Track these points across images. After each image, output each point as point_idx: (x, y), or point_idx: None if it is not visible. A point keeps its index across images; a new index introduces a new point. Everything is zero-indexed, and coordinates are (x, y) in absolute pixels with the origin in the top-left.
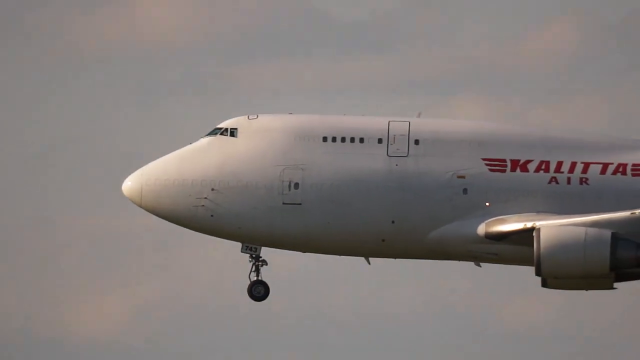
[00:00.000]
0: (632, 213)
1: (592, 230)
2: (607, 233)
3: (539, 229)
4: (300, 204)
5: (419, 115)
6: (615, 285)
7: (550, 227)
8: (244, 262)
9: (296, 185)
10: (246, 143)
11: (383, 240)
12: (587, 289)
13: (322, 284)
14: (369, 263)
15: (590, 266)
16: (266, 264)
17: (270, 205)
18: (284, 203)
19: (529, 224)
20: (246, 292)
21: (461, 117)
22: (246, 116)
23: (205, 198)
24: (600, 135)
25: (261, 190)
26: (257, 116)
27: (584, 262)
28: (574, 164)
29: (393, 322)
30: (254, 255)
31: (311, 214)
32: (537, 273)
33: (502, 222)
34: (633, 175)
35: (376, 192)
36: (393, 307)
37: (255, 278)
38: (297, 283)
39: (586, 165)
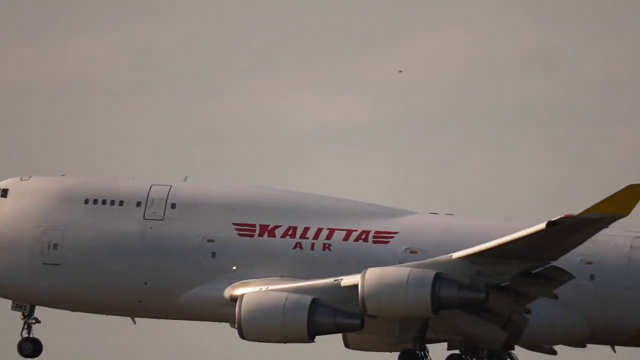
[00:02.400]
0: (335, 280)
1: (292, 296)
2: (308, 299)
3: (242, 295)
4: (59, 264)
5: (185, 179)
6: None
7: (253, 293)
8: None
9: (55, 245)
10: (14, 203)
11: (139, 301)
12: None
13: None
14: (135, 322)
15: (289, 331)
16: (39, 322)
17: (32, 265)
18: (44, 263)
19: (264, 288)
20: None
21: None
22: (19, 177)
23: None
24: (351, 203)
25: (24, 250)
26: (30, 177)
27: (282, 327)
28: (319, 230)
29: None
30: (25, 314)
31: (69, 274)
32: (240, 336)
33: (245, 285)
34: (374, 242)
35: (130, 254)
36: None
37: (26, 335)
38: (73, 340)
39: (331, 232)
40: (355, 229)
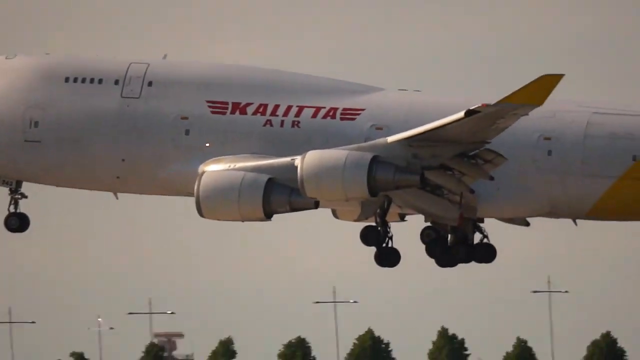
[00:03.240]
0: (292, 159)
1: (249, 175)
2: (264, 178)
3: (202, 174)
4: (39, 141)
5: (164, 57)
6: None
7: (212, 172)
8: None
9: (36, 123)
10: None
11: (118, 177)
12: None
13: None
14: (117, 197)
15: (245, 210)
16: (25, 197)
17: (13, 142)
18: (25, 140)
19: (232, 166)
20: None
21: None
22: (5, 56)
23: None
24: (322, 80)
25: (6, 128)
26: (15, 56)
27: (238, 206)
28: (289, 108)
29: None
30: (11, 189)
31: (49, 151)
32: (200, 214)
33: (217, 162)
34: (342, 119)
35: (107, 132)
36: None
37: (12, 210)
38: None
39: (300, 109)
40: (324, 106)
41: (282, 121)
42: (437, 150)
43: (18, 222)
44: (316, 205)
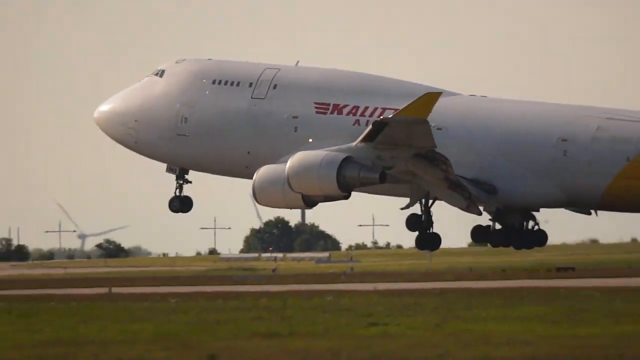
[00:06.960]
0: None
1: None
2: None
3: (259, 169)
4: (187, 135)
5: (296, 64)
6: None
7: (267, 167)
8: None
9: (186, 119)
10: (165, 83)
11: (246, 167)
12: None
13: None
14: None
15: (289, 200)
16: (189, 183)
17: (169, 136)
18: (177, 134)
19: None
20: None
21: None
22: (175, 61)
23: (130, 127)
24: (409, 85)
25: (164, 123)
26: (184, 60)
27: (283, 196)
28: (375, 109)
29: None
30: (177, 176)
31: (195, 144)
32: (257, 202)
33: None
34: None
35: (238, 128)
36: None
37: (177, 194)
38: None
39: (383, 111)
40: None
41: (367, 121)
42: (395, 152)
43: (179, 205)
44: (347, 196)
